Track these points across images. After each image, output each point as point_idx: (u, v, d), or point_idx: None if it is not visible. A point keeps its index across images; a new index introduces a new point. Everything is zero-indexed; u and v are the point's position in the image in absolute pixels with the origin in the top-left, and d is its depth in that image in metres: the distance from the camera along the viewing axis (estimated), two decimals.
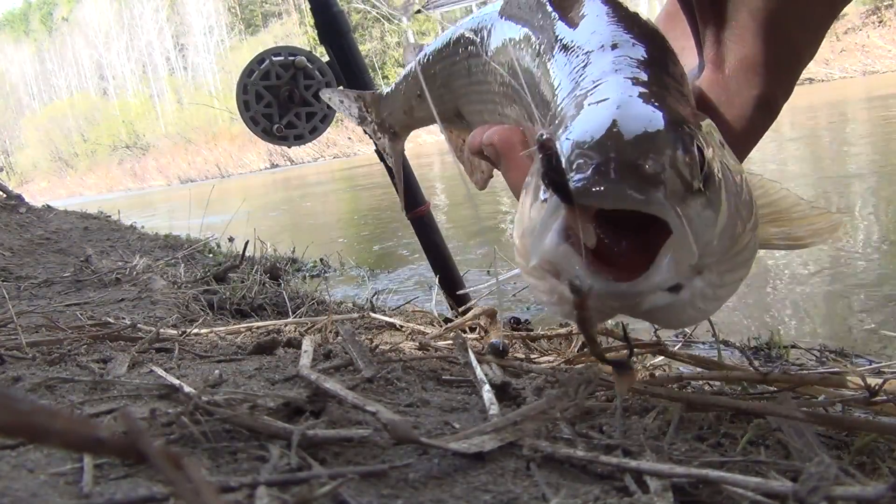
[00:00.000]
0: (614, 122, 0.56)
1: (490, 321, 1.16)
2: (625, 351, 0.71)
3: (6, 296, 1.41)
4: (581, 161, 0.54)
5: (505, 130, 0.78)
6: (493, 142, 0.75)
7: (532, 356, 1.13)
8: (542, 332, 1.23)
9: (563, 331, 1.22)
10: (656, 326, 1.77)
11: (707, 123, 0.64)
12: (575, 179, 0.53)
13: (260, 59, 1.69)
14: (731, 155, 0.65)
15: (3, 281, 1.92)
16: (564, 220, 0.54)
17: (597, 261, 0.54)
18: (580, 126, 0.57)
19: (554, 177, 0.51)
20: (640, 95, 0.61)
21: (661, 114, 0.58)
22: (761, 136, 0.73)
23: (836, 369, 0.91)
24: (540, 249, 0.56)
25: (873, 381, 0.70)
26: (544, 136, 0.49)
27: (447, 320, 1.47)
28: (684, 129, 0.57)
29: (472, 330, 1.22)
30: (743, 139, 0.70)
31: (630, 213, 0.53)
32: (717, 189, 0.58)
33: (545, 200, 0.57)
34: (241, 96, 1.67)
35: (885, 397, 0.71)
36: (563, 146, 0.55)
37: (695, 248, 0.52)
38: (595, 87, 0.64)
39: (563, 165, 0.52)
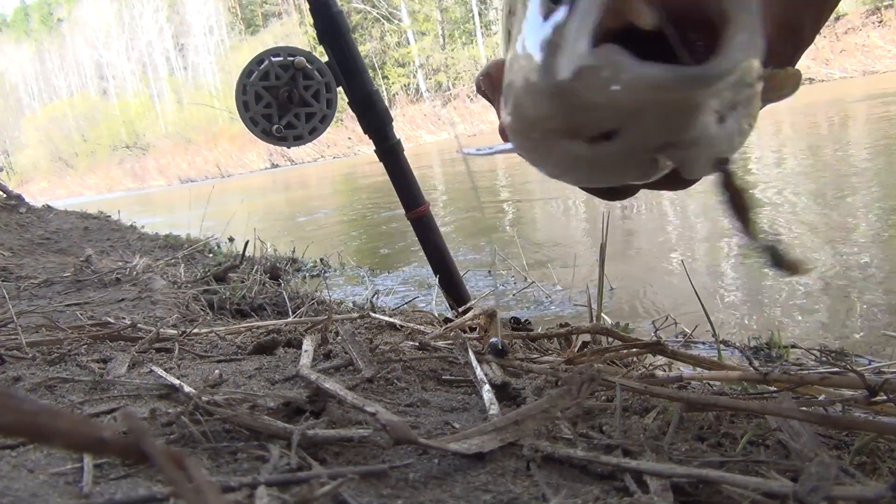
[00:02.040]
0: None
1: (490, 321, 1.16)
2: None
3: (6, 296, 1.41)
4: None
5: (501, 60, 0.71)
6: (489, 72, 0.68)
7: (532, 356, 1.13)
8: (542, 332, 1.23)
9: (562, 331, 1.22)
10: (657, 326, 1.77)
11: None
12: None
13: (259, 60, 1.69)
14: None
15: (3, 281, 1.92)
16: (602, 12, 0.43)
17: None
18: None
19: None
20: None
21: None
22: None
23: (835, 369, 0.91)
24: (575, 56, 0.44)
25: (873, 381, 0.70)
26: None
27: (447, 320, 1.47)
28: None
29: (472, 330, 1.22)
30: None
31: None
32: None
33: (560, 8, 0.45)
34: (241, 97, 1.67)
35: (884, 397, 0.71)
36: None
37: (761, 38, 0.43)
38: None
39: None
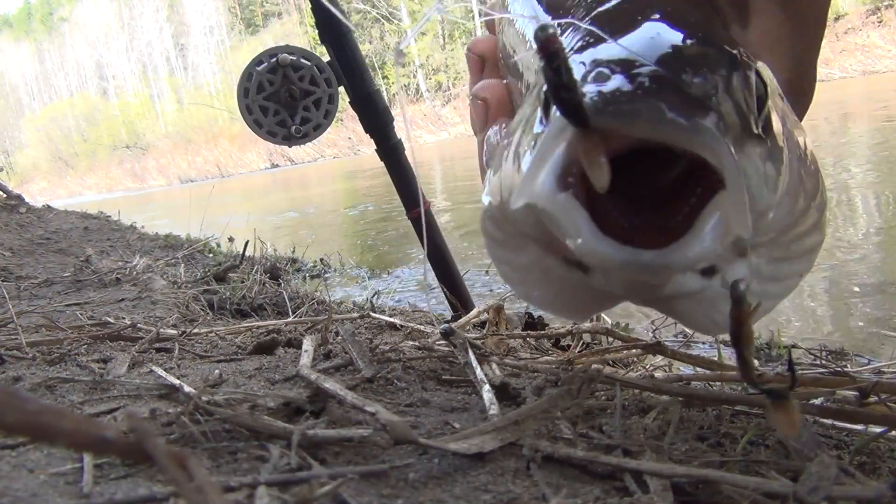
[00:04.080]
0: (645, 33, 0.41)
1: (497, 316, 1.15)
2: (784, 375, 0.53)
3: (6, 296, 1.41)
4: (601, 70, 0.38)
5: (498, 85, 0.59)
6: (484, 96, 0.58)
7: (533, 355, 1.13)
8: (543, 332, 1.23)
9: (563, 330, 1.22)
10: (656, 326, 1.77)
11: (763, 66, 0.46)
12: (590, 94, 0.37)
13: (258, 60, 1.68)
14: (790, 110, 0.48)
15: (3, 281, 1.92)
16: (568, 153, 0.38)
17: (606, 221, 0.38)
18: (597, 46, 0.41)
19: (559, 88, 0.35)
20: (675, 15, 0.43)
21: (707, 32, 0.42)
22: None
23: (829, 370, 0.91)
24: (529, 191, 0.39)
25: (865, 383, 0.70)
26: (547, 31, 0.33)
27: (448, 321, 1.46)
28: (738, 53, 0.42)
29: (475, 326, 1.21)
30: None
31: (650, 165, 0.38)
32: (778, 141, 0.42)
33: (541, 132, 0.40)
34: (249, 117, 1.66)
35: (876, 398, 0.71)
36: (574, 63, 0.38)
37: (749, 215, 0.37)
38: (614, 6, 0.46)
39: (574, 75, 0.36)
